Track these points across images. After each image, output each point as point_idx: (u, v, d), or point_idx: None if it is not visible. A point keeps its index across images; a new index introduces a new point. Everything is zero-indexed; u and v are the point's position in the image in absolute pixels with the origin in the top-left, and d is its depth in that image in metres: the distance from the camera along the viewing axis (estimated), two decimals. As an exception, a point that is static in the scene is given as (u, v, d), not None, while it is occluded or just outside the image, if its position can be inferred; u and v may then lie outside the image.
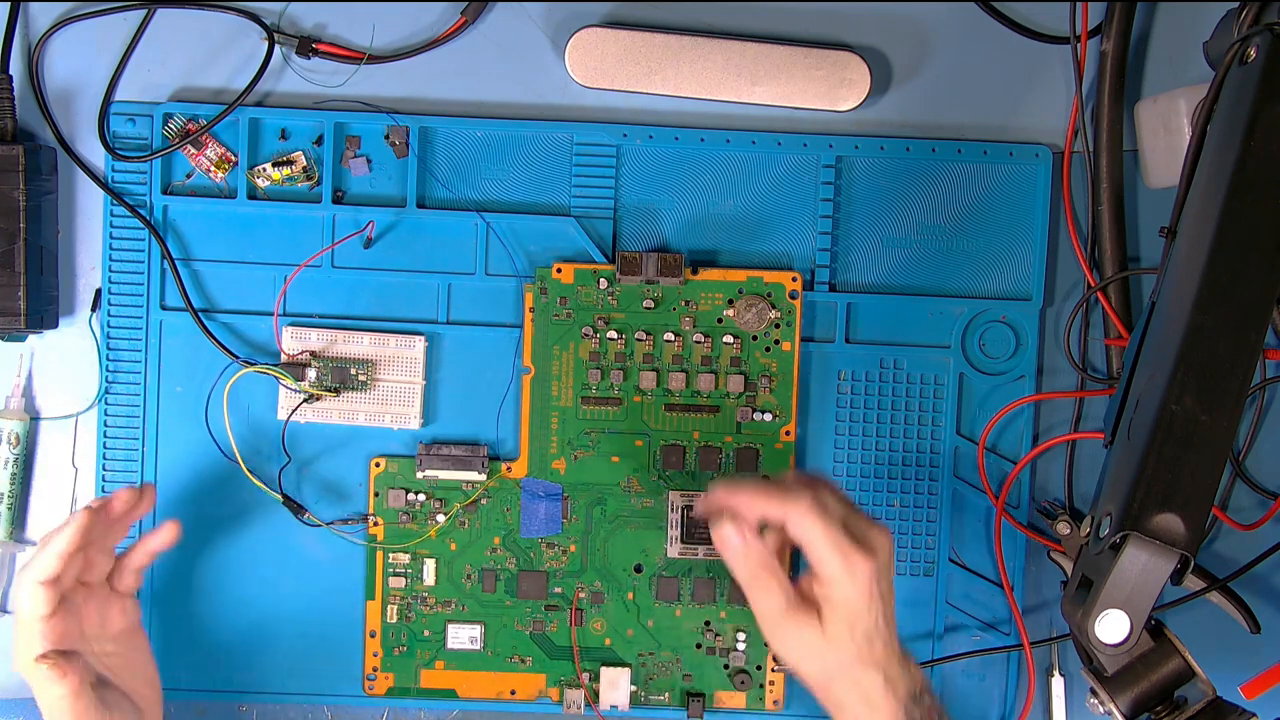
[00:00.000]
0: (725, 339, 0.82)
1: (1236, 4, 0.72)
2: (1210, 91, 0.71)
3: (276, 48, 0.81)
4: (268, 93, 0.82)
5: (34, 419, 0.82)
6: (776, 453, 0.82)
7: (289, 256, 0.82)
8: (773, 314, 0.82)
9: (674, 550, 0.82)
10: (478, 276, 0.82)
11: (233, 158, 0.82)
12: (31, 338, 0.82)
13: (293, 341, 0.81)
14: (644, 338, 0.82)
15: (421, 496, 0.82)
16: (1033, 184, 0.83)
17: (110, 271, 0.82)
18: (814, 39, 0.82)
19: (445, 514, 0.82)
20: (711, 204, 0.83)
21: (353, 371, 0.81)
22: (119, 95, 0.82)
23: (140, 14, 0.81)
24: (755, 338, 0.82)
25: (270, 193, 0.82)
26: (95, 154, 0.82)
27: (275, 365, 0.81)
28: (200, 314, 0.81)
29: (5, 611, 0.83)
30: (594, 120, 0.82)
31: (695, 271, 0.82)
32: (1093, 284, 0.82)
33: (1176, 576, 0.65)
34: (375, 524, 0.82)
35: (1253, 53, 0.68)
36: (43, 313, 0.81)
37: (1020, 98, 0.83)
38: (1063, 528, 0.81)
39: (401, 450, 0.83)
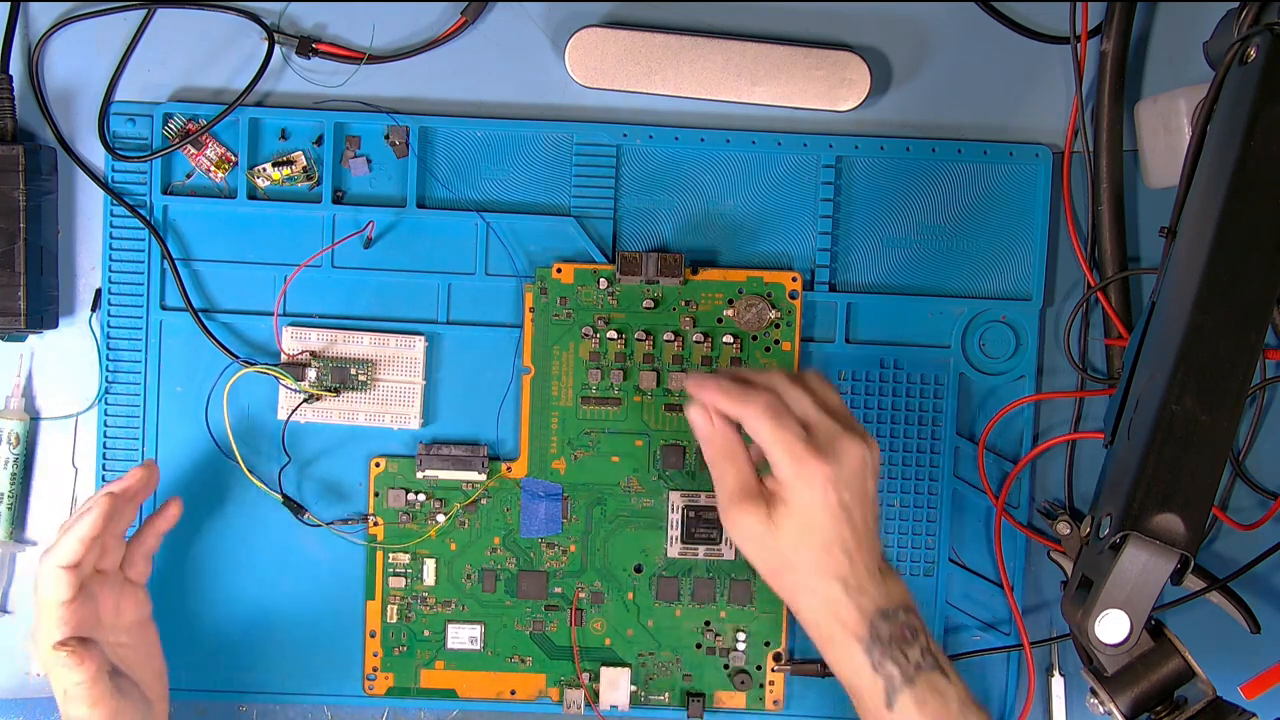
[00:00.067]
0: (725, 339, 0.82)
1: (1236, 4, 0.72)
2: (1210, 91, 0.71)
3: (276, 48, 0.81)
4: (268, 93, 0.82)
5: (34, 419, 0.82)
6: (776, 453, 0.82)
7: (289, 256, 0.82)
8: (773, 314, 0.82)
9: (674, 550, 0.82)
10: (478, 276, 0.82)
11: (233, 158, 0.82)
12: (31, 338, 0.82)
13: (293, 341, 0.81)
14: (644, 338, 0.82)
15: (421, 496, 0.82)
16: (1033, 184, 0.83)
17: (110, 271, 0.82)
18: (814, 39, 0.82)
19: (445, 514, 0.82)
20: (711, 204, 0.83)
21: (353, 371, 0.81)
22: (119, 95, 0.82)
23: (140, 14, 0.81)
24: (755, 338, 0.82)
25: (270, 193, 0.82)
26: (95, 154, 0.82)
27: (275, 365, 0.81)
28: (200, 314, 0.81)
29: (5, 611, 0.83)
30: (594, 120, 0.82)
31: (695, 271, 0.82)
32: (1093, 284, 0.82)
33: (1176, 576, 0.65)
34: (375, 524, 0.82)
35: (1253, 53, 0.68)
36: (43, 313, 0.81)
37: (1020, 98, 0.83)
38: (1063, 528, 0.81)
39: (401, 450, 0.83)
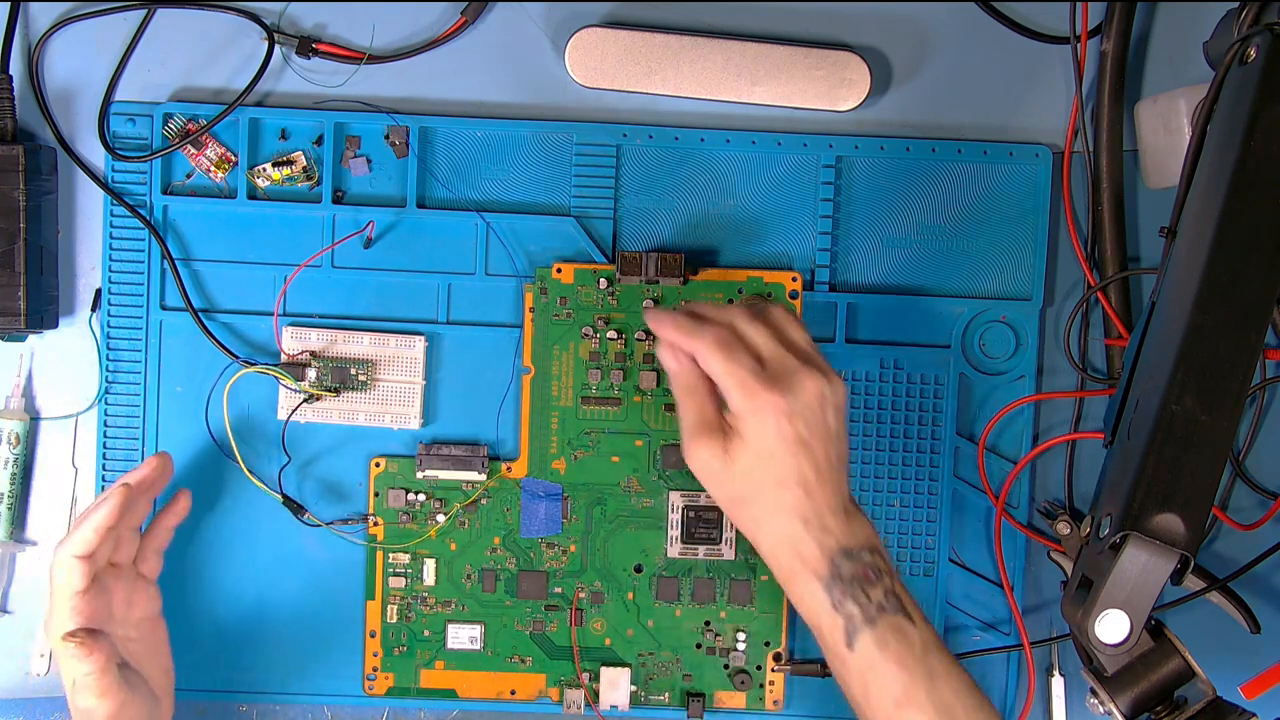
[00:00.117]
0: (725, 339, 0.82)
1: (1236, 4, 0.72)
2: (1210, 91, 0.71)
3: (276, 48, 0.81)
4: (268, 93, 0.82)
5: (34, 419, 0.82)
6: (776, 453, 0.82)
7: (289, 256, 0.82)
8: (773, 314, 0.81)
9: (674, 550, 0.82)
10: (478, 276, 0.82)
11: (233, 158, 0.82)
12: (31, 338, 0.82)
13: (293, 341, 0.81)
14: (644, 338, 0.82)
15: (421, 496, 0.82)
16: (1033, 184, 0.83)
17: (110, 271, 0.82)
18: (814, 39, 0.82)
19: (445, 514, 0.82)
20: (711, 204, 0.83)
21: (353, 371, 0.81)
22: (119, 95, 0.82)
23: (140, 14, 0.81)
24: (755, 338, 0.82)
25: (270, 193, 0.82)
26: (95, 154, 0.82)
27: (275, 365, 0.81)
28: (200, 314, 0.81)
29: (5, 611, 0.83)
30: (594, 120, 0.82)
31: (695, 271, 0.82)
32: (1093, 284, 0.82)
33: (1176, 576, 0.65)
34: (375, 524, 0.82)
35: (1253, 53, 0.68)
36: (43, 313, 0.81)
37: (1020, 98, 0.83)
38: (1063, 528, 0.81)
39: (401, 450, 0.83)
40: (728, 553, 0.82)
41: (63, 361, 0.82)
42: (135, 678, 0.74)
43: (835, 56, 0.81)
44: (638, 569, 0.83)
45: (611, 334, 0.81)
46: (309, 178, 0.82)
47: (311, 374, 0.81)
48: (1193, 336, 0.65)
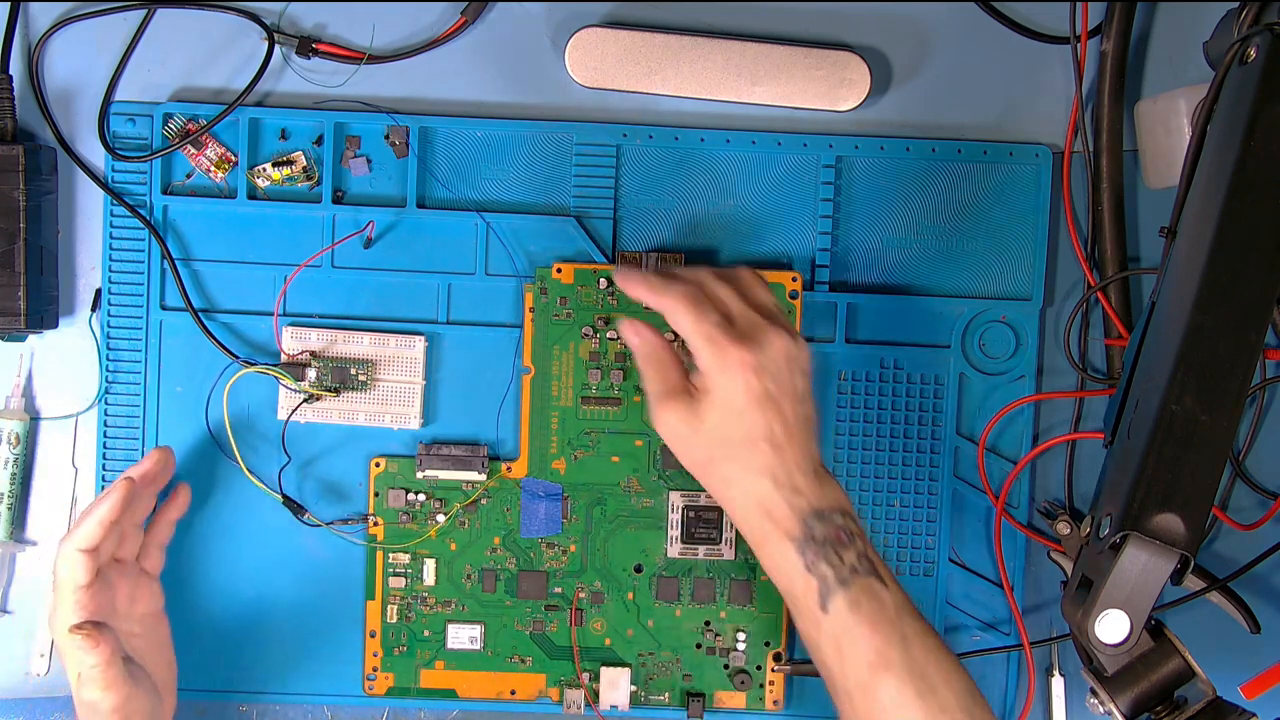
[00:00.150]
0: (725, 339, 0.82)
1: (1236, 4, 0.72)
2: (1210, 91, 0.71)
3: (276, 48, 0.81)
4: (268, 93, 0.82)
5: (34, 419, 0.82)
6: (776, 453, 0.82)
7: (289, 256, 0.82)
8: (773, 314, 0.81)
9: (674, 550, 0.82)
10: (478, 276, 0.82)
11: (233, 158, 0.82)
12: (31, 338, 0.82)
13: (293, 341, 0.81)
14: (644, 338, 0.82)
15: (421, 496, 0.82)
16: (1033, 184, 0.83)
17: (110, 271, 0.82)
18: (814, 39, 0.82)
19: (445, 514, 0.82)
20: (711, 204, 0.83)
21: (353, 371, 0.81)
22: (119, 95, 0.82)
23: (140, 14, 0.81)
24: (755, 338, 0.82)
25: (270, 193, 0.82)
26: (95, 154, 0.82)
27: (275, 365, 0.81)
28: (200, 314, 0.81)
29: (5, 611, 0.83)
30: (594, 120, 0.82)
31: (695, 271, 0.82)
32: (1093, 284, 0.82)
33: (1176, 576, 0.65)
34: (375, 524, 0.82)
35: (1253, 53, 0.68)
36: (43, 313, 0.81)
37: (1020, 98, 0.83)
38: (1063, 528, 0.81)
39: (401, 450, 0.83)
40: (728, 553, 0.82)
41: (63, 361, 0.82)
42: (139, 672, 0.74)
43: (835, 56, 0.81)
44: (638, 569, 0.83)
45: (611, 334, 0.81)
46: (309, 178, 0.82)
47: (311, 374, 0.81)
48: (1193, 336, 0.65)
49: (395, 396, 0.82)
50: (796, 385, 0.68)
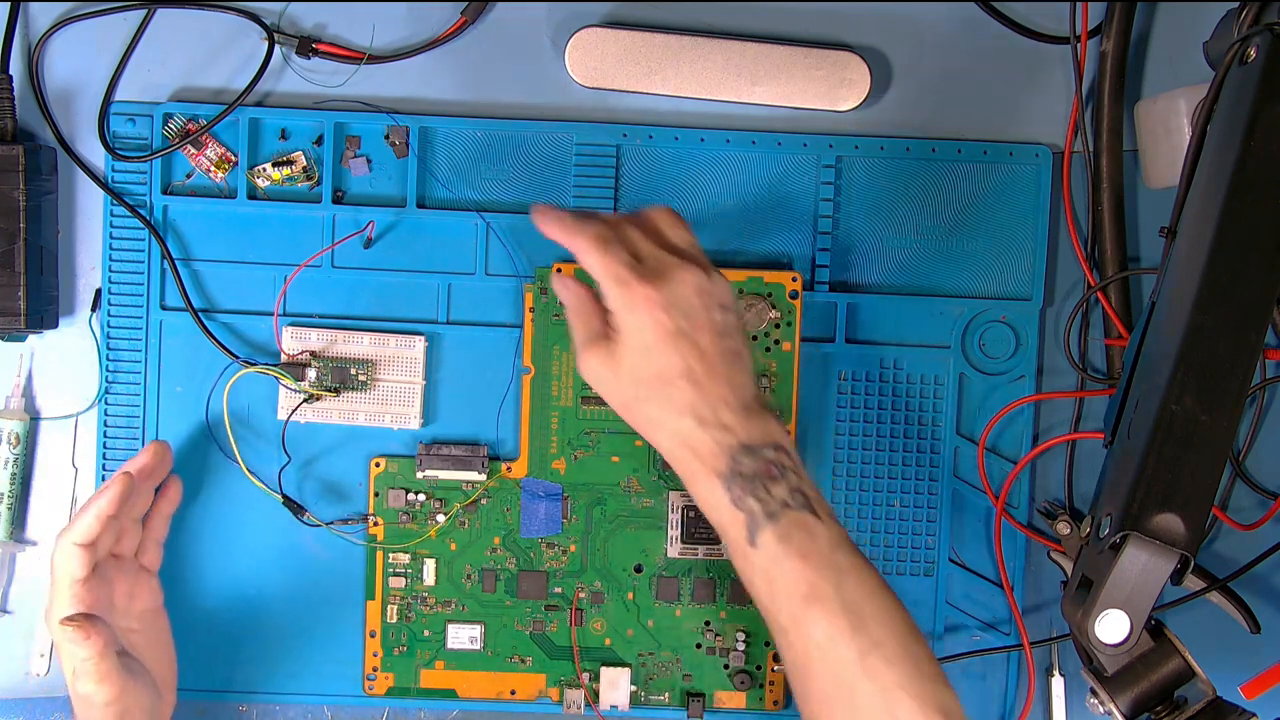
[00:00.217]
0: (725, 339, 0.81)
1: (1236, 4, 0.72)
2: (1210, 91, 0.71)
3: (276, 48, 0.81)
4: (268, 93, 0.82)
5: (34, 419, 0.82)
6: (776, 453, 0.82)
7: (289, 256, 0.82)
8: (773, 314, 0.81)
9: (674, 550, 0.82)
10: (478, 276, 0.82)
11: (233, 158, 0.82)
12: (31, 338, 0.82)
13: (293, 341, 0.81)
14: (644, 338, 0.82)
15: (421, 496, 0.82)
16: (1033, 184, 0.83)
17: (110, 271, 0.82)
18: (814, 39, 0.82)
19: (445, 514, 0.82)
20: (711, 204, 0.83)
21: (353, 371, 0.81)
22: (119, 95, 0.82)
23: (140, 14, 0.81)
24: (755, 338, 0.82)
25: (270, 193, 0.82)
26: (95, 154, 0.82)
27: (275, 365, 0.81)
28: (200, 314, 0.81)
29: (5, 611, 0.83)
30: (594, 120, 0.82)
31: (695, 271, 0.82)
32: (1093, 284, 0.82)
33: (1176, 576, 0.65)
34: (375, 524, 0.82)
35: (1253, 53, 0.68)
36: (43, 313, 0.81)
37: (1020, 98, 0.83)
38: (1063, 528, 0.81)
39: (401, 450, 0.83)
40: (728, 552, 0.82)
41: (63, 361, 0.82)
42: (137, 666, 0.73)
43: (835, 56, 0.81)
44: (638, 569, 0.83)
45: (611, 334, 0.81)
46: (309, 178, 0.82)
47: (311, 374, 0.81)
48: (1193, 336, 0.65)
49: (395, 396, 0.82)
50: (714, 320, 0.67)
